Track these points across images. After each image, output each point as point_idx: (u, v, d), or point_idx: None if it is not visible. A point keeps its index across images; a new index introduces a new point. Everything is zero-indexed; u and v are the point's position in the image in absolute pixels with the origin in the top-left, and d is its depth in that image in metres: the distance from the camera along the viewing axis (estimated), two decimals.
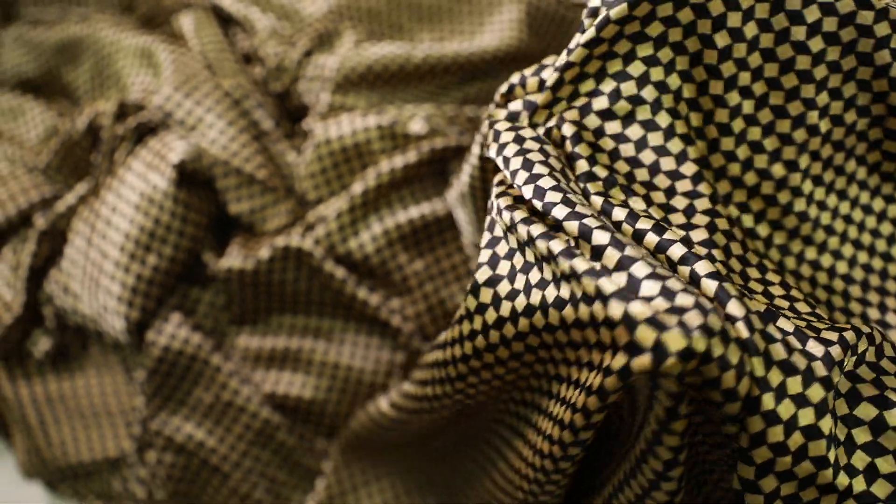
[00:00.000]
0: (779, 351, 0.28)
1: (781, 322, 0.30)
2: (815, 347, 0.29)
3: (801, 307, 0.34)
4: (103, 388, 0.64)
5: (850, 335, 0.30)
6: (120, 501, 0.62)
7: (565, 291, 0.30)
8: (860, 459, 0.29)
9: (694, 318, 0.26)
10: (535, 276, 0.32)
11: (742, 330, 0.27)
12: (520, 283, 0.32)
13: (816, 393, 0.28)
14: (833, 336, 0.30)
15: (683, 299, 0.26)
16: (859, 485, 0.29)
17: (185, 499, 0.60)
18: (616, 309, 0.27)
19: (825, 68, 0.36)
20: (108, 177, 0.62)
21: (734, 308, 0.28)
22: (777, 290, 0.34)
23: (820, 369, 0.28)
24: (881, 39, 0.34)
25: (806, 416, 0.28)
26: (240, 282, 0.59)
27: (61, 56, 0.76)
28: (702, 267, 0.30)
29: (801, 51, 0.35)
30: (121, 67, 0.69)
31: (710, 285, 0.29)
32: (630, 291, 0.27)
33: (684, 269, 0.30)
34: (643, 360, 0.26)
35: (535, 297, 0.31)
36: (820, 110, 0.37)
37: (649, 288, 0.27)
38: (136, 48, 0.67)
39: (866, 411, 0.29)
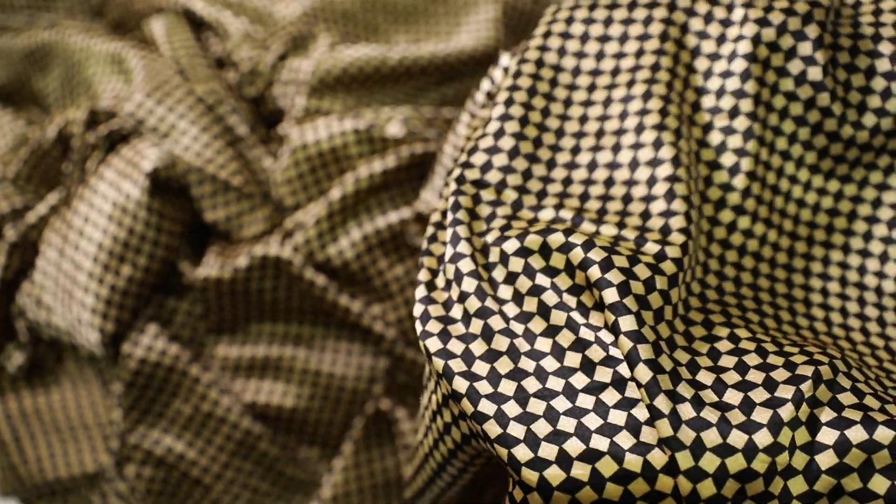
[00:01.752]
0: (712, 438, 0.29)
1: (728, 395, 0.30)
2: (761, 414, 0.29)
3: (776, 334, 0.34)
4: (79, 402, 0.62)
5: (825, 370, 0.30)
6: None
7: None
8: (825, 483, 0.29)
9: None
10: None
11: (665, 428, 0.29)
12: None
13: (762, 462, 0.28)
14: (808, 371, 0.30)
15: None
16: None
17: None
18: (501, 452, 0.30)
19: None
20: (79, 186, 0.61)
21: (661, 403, 0.29)
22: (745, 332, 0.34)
23: (765, 438, 0.29)
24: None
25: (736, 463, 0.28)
26: (217, 291, 0.58)
27: (30, 63, 0.74)
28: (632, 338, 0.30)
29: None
30: (91, 74, 0.67)
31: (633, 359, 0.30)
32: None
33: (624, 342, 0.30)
34: (535, 498, 0.29)
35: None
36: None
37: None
38: (106, 54, 0.66)
39: (829, 436, 0.29)
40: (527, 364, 0.32)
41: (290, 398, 0.59)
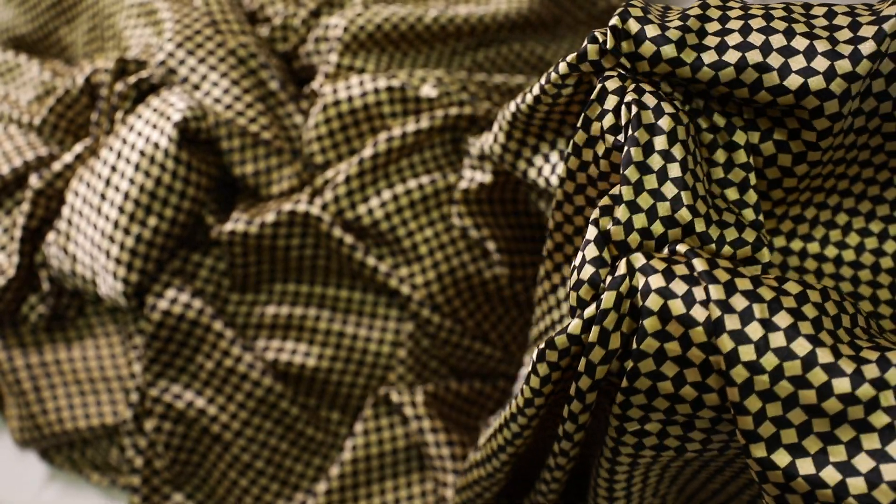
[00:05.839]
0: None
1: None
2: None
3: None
4: (100, 355, 0.62)
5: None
6: (118, 471, 0.61)
7: None
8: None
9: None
10: None
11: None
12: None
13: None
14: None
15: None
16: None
17: (185, 468, 0.58)
18: None
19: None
20: (107, 136, 0.60)
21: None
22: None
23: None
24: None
25: (777, 339, 0.29)
26: (243, 246, 0.57)
27: (57, 13, 0.73)
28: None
29: None
30: (121, 25, 0.66)
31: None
32: None
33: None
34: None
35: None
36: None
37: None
38: (137, 4, 0.65)
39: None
40: None
41: (312, 359, 0.58)
